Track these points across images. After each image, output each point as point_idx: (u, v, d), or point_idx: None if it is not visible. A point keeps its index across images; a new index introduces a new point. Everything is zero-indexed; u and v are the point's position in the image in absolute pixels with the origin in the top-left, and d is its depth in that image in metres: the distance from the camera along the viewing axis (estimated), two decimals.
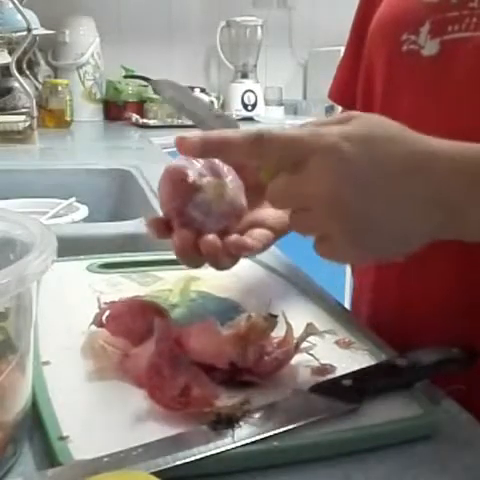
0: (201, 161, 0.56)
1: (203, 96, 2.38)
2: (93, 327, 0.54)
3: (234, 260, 0.56)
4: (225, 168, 0.56)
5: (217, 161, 0.56)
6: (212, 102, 2.41)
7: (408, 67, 0.66)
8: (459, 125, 0.61)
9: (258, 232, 0.58)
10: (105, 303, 0.56)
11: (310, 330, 0.51)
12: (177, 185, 0.55)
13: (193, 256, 0.55)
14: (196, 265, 0.56)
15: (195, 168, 0.55)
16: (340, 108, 0.96)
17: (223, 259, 0.55)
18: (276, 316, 0.50)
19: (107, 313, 0.54)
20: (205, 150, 0.49)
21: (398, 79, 0.68)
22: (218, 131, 0.50)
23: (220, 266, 0.56)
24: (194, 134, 0.49)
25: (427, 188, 0.46)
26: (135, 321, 0.53)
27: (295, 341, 0.50)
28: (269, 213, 0.60)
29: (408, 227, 0.47)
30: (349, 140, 0.45)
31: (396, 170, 0.46)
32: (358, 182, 0.45)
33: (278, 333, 0.51)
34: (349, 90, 0.82)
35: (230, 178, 0.56)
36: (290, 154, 0.47)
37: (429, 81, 0.65)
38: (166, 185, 0.56)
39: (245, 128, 0.50)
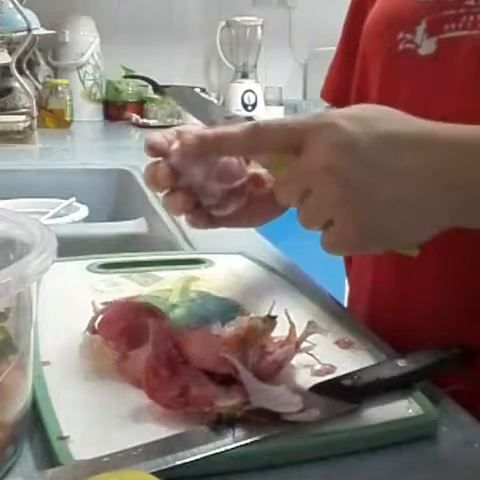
0: None
1: (204, 96, 2.38)
2: None
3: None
4: None
5: None
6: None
7: (405, 66, 0.66)
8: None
9: None
10: (102, 303, 0.56)
11: (312, 328, 0.51)
12: None
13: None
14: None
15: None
16: None
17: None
18: (275, 317, 0.50)
19: (100, 319, 0.54)
20: (203, 149, 0.50)
21: (394, 78, 0.68)
22: (213, 129, 0.50)
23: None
24: (190, 131, 0.50)
25: (438, 164, 0.45)
26: (127, 325, 0.53)
27: (296, 341, 0.50)
28: None
29: (420, 208, 0.45)
30: (347, 118, 0.45)
31: (400, 145, 0.45)
32: (358, 153, 0.44)
33: (280, 333, 0.51)
34: (342, 90, 0.82)
35: None
36: (287, 138, 0.46)
37: (426, 80, 0.64)
38: None
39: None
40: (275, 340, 0.50)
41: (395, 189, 0.45)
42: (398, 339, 0.59)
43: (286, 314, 0.51)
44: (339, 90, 0.84)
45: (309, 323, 0.51)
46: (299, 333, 0.51)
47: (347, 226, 0.45)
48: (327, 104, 0.93)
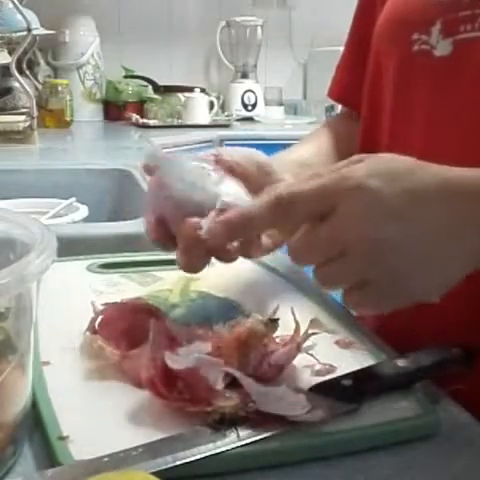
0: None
1: (202, 96, 2.38)
2: None
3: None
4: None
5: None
6: (212, 102, 2.40)
7: (420, 67, 0.66)
8: (473, 126, 0.61)
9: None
10: (102, 304, 0.56)
11: (315, 325, 0.51)
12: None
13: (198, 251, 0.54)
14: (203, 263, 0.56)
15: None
16: (340, 107, 0.96)
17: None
18: (277, 320, 0.50)
19: (99, 319, 0.54)
20: (231, 235, 0.50)
21: (409, 79, 0.67)
22: (235, 211, 0.48)
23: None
24: (212, 220, 0.49)
25: (466, 211, 0.44)
26: (127, 325, 0.53)
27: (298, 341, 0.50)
28: None
29: (453, 257, 0.45)
30: (374, 176, 0.43)
31: (431, 197, 0.44)
32: (395, 216, 0.43)
33: (280, 332, 0.51)
34: (351, 90, 0.82)
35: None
36: (317, 208, 0.44)
37: (442, 81, 0.64)
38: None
39: (259, 200, 0.47)
40: (277, 340, 0.50)
41: (438, 244, 0.44)
42: (398, 339, 0.59)
43: (292, 313, 0.50)
44: (348, 90, 0.85)
45: (311, 321, 0.51)
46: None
47: (385, 289, 0.45)
48: (330, 102, 0.93)
